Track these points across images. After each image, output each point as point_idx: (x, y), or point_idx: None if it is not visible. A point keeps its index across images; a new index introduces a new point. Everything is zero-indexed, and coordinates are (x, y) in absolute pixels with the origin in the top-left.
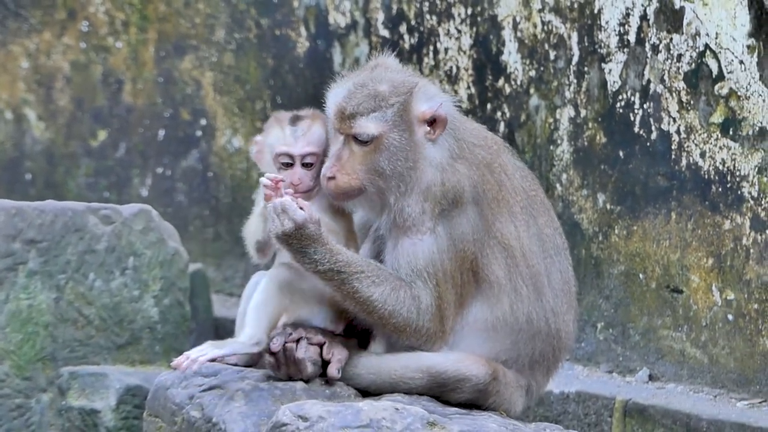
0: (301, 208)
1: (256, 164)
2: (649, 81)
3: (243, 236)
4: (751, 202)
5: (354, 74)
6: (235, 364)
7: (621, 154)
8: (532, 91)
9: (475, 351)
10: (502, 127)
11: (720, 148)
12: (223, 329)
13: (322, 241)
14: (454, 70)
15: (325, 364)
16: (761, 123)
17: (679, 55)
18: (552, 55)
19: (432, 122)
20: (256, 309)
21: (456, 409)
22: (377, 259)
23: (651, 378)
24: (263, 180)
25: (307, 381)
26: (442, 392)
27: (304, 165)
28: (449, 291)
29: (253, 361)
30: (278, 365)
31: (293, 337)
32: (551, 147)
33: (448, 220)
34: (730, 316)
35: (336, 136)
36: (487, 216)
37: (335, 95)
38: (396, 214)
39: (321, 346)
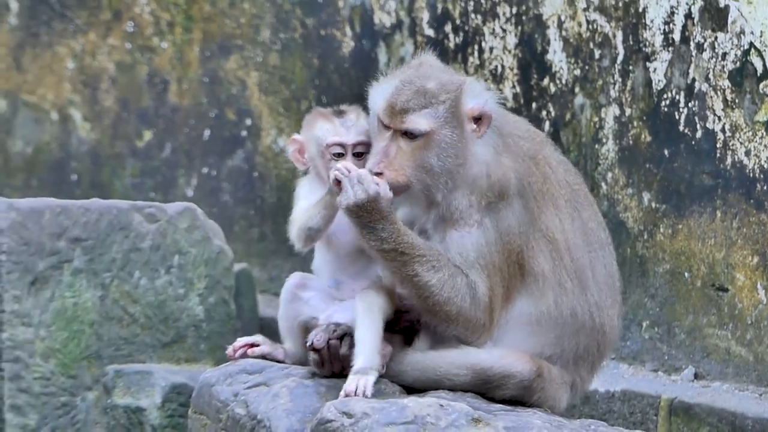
0: (376, 183)
1: (293, 161)
2: (693, 79)
3: (290, 223)
4: None
5: (398, 72)
6: (282, 361)
7: (666, 152)
8: (577, 90)
9: (519, 346)
10: (547, 126)
11: (765, 146)
12: (269, 329)
13: (391, 219)
14: (499, 69)
15: None
16: None
17: (724, 54)
18: (597, 53)
19: (478, 119)
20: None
21: (500, 405)
22: None
23: (696, 376)
24: (340, 167)
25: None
26: (486, 389)
27: (355, 155)
28: (498, 283)
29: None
30: (322, 362)
31: (337, 334)
32: (596, 146)
33: (494, 213)
34: None
35: (381, 133)
36: (532, 209)
37: (382, 92)
38: (443, 209)
39: None
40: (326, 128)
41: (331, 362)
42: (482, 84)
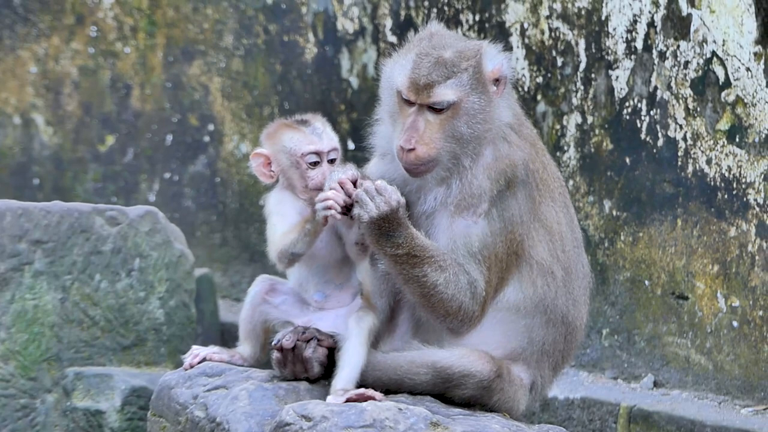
0: (396, 192)
1: (258, 176)
2: (656, 88)
3: (269, 243)
4: (757, 209)
5: (411, 46)
6: (241, 365)
7: (627, 160)
8: (539, 97)
9: (487, 333)
10: None
11: (726, 155)
12: (229, 334)
13: (406, 224)
14: None
15: (332, 365)
16: (767, 130)
17: (686, 62)
18: (559, 61)
19: (497, 80)
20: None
21: (459, 410)
22: None
23: (656, 384)
24: (340, 177)
25: (311, 381)
26: (446, 388)
27: (329, 161)
28: (495, 275)
29: None
30: (285, 362)
31: (305, 336)
32: (558, 153)
33: (501, 202)
34: (735, 323)
35: (404, 109)
36: (534, 197)
37: (400, 68)
38: (465, 187)
39: (330, 349)
40: (297, 138)
41: (294, 363)
42: (497, 46)
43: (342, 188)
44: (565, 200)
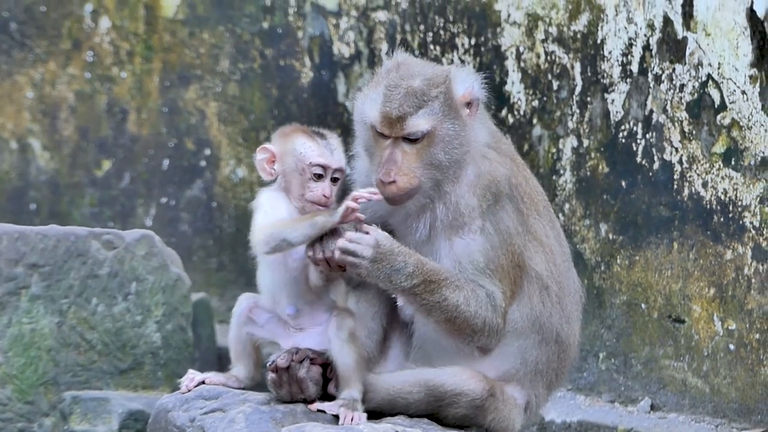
0: (366, 233)
1: (259, 170)
2: (651, 111)
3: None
4: (753, 232)
5: (379, 78)
6: (238, 387)
7: (623, 184)
8: (535, 121)
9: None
10: None
11: (722, 178)
12: (227, 359)
13: (405, 251)
14: None
15: (328, 384)
16: (763, 153)
17: (682, 85)
18: (555, 85)
19: (469, 103)
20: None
21: (456, 431)
22: None
23: (653, 408)
24: (359, 195)
25: (308, 401)
26: (439, 407)
27: (332, 179)
28: (507, 285)
29: None
30: (280, 383)
31: (299, 357)
32: (554, 177)
33: (493, 215)
34: (731, 346)
35: (379, 142)
36: (522, 210)
37: (370, 101)
38: (450, 209)
39: (324, 366)
40: (310, 146)
41: (290, 384)
42: (465, 69)
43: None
44: (550, 214)
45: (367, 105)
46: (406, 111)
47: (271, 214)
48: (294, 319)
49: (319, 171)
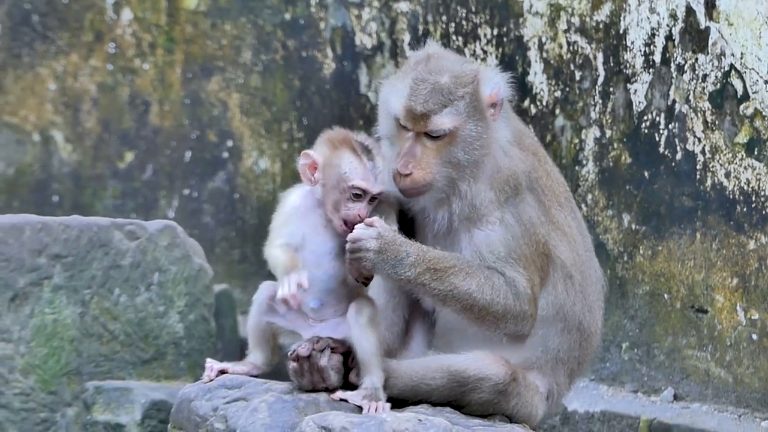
0: (371, 225)
1: (301, 174)
2: (674, 101)
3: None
4: None
5: (408, 69)
6: (256, 374)
7: (646, 174)
8: (557, 111)
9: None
10: None
11: (745, 168)
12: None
13: (406, 241)
14: None
15: (349, 373)
16: None
17: (704, 75)
18: (578, 75)
19: (494, 104)
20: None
21: (479, 420)
22: None
23: (676, 398)
24: (286, 296)
25: (330, 390)
26: (462, 392)
27: (370, 201)
28: (535, 273)
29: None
30: (302, 372)
31: (320, 345)
32: (576, 167)
33: (513, 207)
34: (754, 336)
35: (401, 133)
36: (543, 202)
37: (396, 93)
38: (466, 205)
39: (345, 354)
40: (355, 167)
41: (311, 373)
42: (494, 69)
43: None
44: (571, 205)
45: (392, 95)
46: (431, 108)
47: (286, 228)
48: (316, 311)
49: (358, 192)
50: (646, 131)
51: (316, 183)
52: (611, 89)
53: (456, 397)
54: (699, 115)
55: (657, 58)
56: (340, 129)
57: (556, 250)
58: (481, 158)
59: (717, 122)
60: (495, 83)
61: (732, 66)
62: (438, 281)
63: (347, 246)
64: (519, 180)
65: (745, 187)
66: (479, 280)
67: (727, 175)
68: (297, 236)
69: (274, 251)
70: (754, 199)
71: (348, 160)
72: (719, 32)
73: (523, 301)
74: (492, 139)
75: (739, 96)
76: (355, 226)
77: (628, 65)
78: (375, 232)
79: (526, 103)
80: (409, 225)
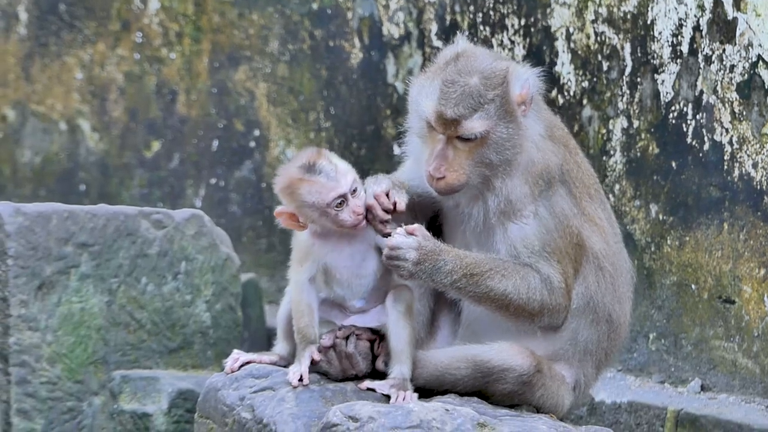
0: (406, 236)
1: (292, 229)
2: (701, 92)
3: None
4: None
5: (436, 69)
6: (285, 365)
7: (673, 164)
8: (585, 101)
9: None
10: None
11: None
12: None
13: (444, 249)
14: None
15: (375, 360)
16: None
17: (732, 66)
18: (605, 65)
19: (524, 101)
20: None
21: (506, 410)
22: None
23: (703, 388)
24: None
25: (359, 378)
26: (486, 383)
27: (352, 193)
28: (569, 265)
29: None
30: (329, 361)
31: (343, 333)
32: (604, 158)
33: (546, 200)
34: None
35: (432, 134)
36: (574, 194)
37: (426, 95)
38: (502, 200)
39: (372, 342)
40: (315, 191)
41: (339, 360)
42: (523, 65)
43: (378, 201)
44: (601, 197)
45: (422, 97)
46: (462, 113)
47: (298, 274)
48: (360, 308)
49: (339, 200)
50: (673, 122)
51: (307, 225)
52: (638, 80)
53: (480, 388)
54: (726, 105)
55: (684, 48)
56: (279, 171)
57: (588, 242)
58: (514, 156)
59: (744, 113)
60: (524, 80)
61: (760, 57)
62: (474, 285)
63: (384, 252)
64: (552, 173)
65: None
66: (515, 281)
67: (755, 165)
68: (319, 264)
69: (296, 297)
70: None
71: (306, 191)
72: (747, 23)
73: (558, 295)
74: (524, 136)
75: (766, 87)
76: (395, 232)
77: (655, 56)
78: (415, 242)
79: (554, 93)
80: (433, 218)
